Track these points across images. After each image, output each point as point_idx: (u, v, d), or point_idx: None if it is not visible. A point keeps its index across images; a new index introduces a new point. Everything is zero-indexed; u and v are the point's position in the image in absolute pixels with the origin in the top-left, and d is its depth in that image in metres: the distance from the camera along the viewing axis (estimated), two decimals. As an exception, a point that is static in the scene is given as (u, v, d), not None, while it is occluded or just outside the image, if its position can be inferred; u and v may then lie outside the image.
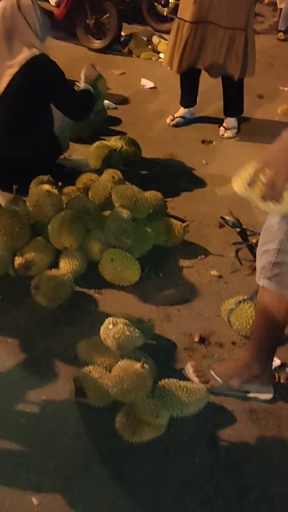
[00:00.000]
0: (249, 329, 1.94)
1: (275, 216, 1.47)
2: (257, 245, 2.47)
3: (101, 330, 1.73)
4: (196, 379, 1.78)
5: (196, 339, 1.98)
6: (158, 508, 1.44)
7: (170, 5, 5.52)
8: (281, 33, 6.21)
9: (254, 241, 2.54)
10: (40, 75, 2.35)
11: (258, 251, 1.58)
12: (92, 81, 2.70)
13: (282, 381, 1.82)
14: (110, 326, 1.69)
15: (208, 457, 1.57)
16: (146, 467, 1.53)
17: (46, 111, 2.54)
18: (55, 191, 2.26)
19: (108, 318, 1.74)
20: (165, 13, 5.64)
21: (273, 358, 1.75)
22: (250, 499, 1.47)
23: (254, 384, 1.73)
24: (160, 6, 5.68)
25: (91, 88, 2.65)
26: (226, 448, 1.60)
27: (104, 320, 1.75)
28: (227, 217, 2.63)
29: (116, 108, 3.90)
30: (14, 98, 2.41)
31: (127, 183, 2.48)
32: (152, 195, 2.50)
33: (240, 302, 1.99)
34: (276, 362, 1.85)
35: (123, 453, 1.56)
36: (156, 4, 5.70)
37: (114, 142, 3.03)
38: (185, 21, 3.14)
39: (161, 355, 1.89)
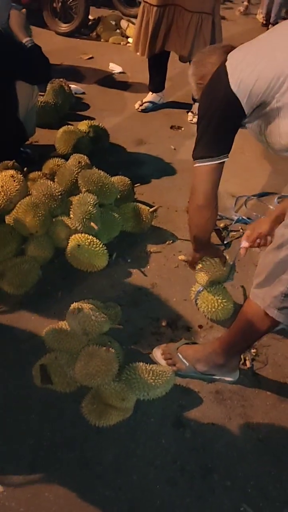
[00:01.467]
0: (215, 312, 1.96)
1: None
2: (224, 229, 2.53)
3: (67, 315, 1.72)
4: (163, 362, 1.79)
5: (164, 324, 1.99)
6: (125, 489, 1.45)
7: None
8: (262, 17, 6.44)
9: (221, 225, 2.56)
10: (2, 53, 2.26)
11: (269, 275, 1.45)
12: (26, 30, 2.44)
13: (247, 363, 1.84)
14: (76, 311, 1.68)
15: (174, 438, 1.59)
16: (112, 449, 1.54)
17: (10, 95, 2.46)
18: (20, 176, 2.22)
19: (74, 303, 1.73)
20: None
21: (241, 354, 1.78)
22: (215, 478, 1.50)
23: (220, 370, 1.75)
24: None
25: (32, 39, 2.43)
26: (192, 429, 1.62)
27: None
28: (194, 202, 2.62)
29: (84, 93, 3.85)
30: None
31: (94, 168, 2.45)
32: (120, 180, 2.48)
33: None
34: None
35: (90, 437, 1.56)
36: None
37: (82, 127, 2.99)
38: (151, 4, 3.11)
39: (129, 340, 1.89)
